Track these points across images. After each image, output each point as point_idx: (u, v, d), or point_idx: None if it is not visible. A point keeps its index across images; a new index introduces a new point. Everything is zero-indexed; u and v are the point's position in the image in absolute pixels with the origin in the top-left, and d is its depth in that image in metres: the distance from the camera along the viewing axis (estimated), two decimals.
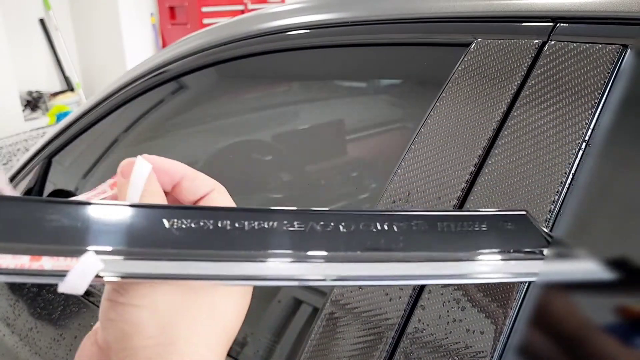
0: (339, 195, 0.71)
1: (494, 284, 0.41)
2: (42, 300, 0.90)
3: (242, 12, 4.61)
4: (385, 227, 0.32)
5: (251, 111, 0.90)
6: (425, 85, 0.66)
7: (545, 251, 0.36)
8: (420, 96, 0.65)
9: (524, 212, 0.37)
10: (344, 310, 0.48)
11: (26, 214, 0.28)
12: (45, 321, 0.88)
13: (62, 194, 1.04)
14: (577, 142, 0.43)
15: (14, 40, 4.03)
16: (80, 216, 0.29)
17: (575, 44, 0.47)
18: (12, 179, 1.16)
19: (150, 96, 0.93)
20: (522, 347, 0.39)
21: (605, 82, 0.44)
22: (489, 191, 0.45)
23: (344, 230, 0.31)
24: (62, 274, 0.27)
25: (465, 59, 0.53)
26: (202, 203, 0.33)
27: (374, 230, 0.32)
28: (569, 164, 0.42)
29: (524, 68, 0.49)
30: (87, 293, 0.83)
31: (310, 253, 0.31)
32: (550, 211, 0.41)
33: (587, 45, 0.46)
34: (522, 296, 0.40)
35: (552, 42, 0.48)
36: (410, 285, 0.45)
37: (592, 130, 0.43)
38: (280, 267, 0.30)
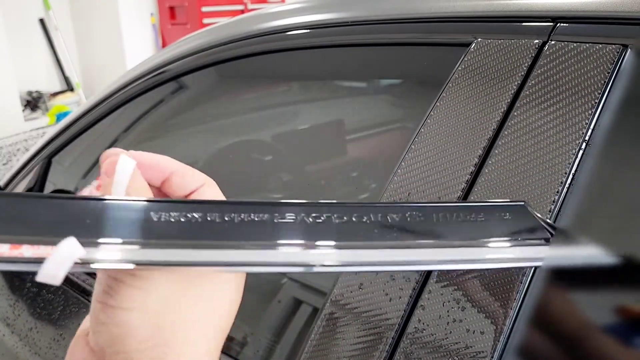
0: (339, 195, 0.71)
1: (494, 281, 0.41)
2: (42, 300, 0.90)
3: (242, 12, 4.61)
4: (379, 218, 0.32)
5: (251, 111, 0.89)
6: (425, 85, 0.66)
7: (551, 237, 0.36)
8: (420, 96, 0.65)
9: (522, 202, 0.37)
10: (344, 310, 0.48)
11: (8, 207, 0.28)
12: (45, 321, 0.88)
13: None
14: (577, 142, 0.43)
15: (14, 40, 4.03)
16: (64, 210, 0.28)
17: (575, 44, 0.47)
18: (12, 179, 1.16)
19: (150, 96, 0.93)
20: (522, 347, 0.39)
21: (605, 82, 0.44)
22: (489, 191, 0.45)
23: (337, 221, 0.31)
24: (41, 261, 0.26)
25: (465, 59, 0.53)
26: (192, 197, 0.33)
27: (367, 221, 0.32)
28: (569, 164, 0.42)
29: (524, 68, 0.49)
30: (87, 292, 0.83)
31: (304, 241, 0.31)
32: (550, 211, 0.41)
33: (587, 45, 0.46)
34: (522, 296, 0.40)
35: (552, 42, 0.48)
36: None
37: (592, 130, 0.43)
38: (270, 254, 0.30)
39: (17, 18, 4.11)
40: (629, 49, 0.44)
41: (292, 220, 0.31)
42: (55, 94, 4.43)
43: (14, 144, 3.61)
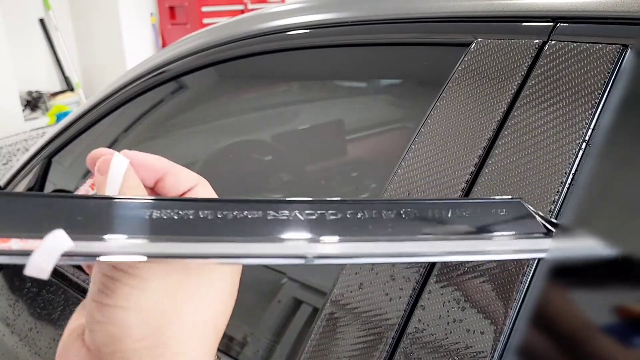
0: (339, 195, 0.71)
1: (494, 281, 0.41)
2: (42, 300, 0.90)
3: (242, 12, 4.61)
4: (370, 215, 0.32)
5: (251, 111, 0.89)
6: (425, 85, 0.66)
7: (549, 232, 0.36)
8: (420, 96, 0.65)
9: (519, 199, 0.37)
10: (344, 310, 0.48)
11: (2, 206, 0.28)
12: (45, 321, 0.88)
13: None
14: (578, 142, 0.43)
15: (14, 40, 4.03)
16: (55, 207, 0.28)
17: (575, 44, 0.47)
18: (12, 179, 1.16)
19: (150, 96, 0.93)
20: (522, 347, 0.39)
21: (605, 82, 0.44)
22: (489, 191, 0.45)
23: (331, 217, 0.31)
24: (29, 254, 0.26)
25: (465, 59, 0.53)
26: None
27: (361, 217, 0.32)
28: (569, 164, 0.42)
29: (524, 68, 0.49)
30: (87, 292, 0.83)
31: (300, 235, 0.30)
32: (550, 211, 0.41)
33: (587, 45, 0.46)
34: (522, 296, 0.40)
35: (553, 42, 0.48)
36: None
37: (592, 130, 0.43)
38: (264, 246, 0.30)
39: (17, 18, 4.11)
40: (629, 49, 0.44)
41: (285, 218, 0.31)
42: (55, 94, 4.43)
43: (14, 144, 3.61)
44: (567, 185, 0.42)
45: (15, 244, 0.26)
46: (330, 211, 0.31)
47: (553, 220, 0.37)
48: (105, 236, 0.28)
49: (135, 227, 0.29)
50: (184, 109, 0.95)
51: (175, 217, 0.29)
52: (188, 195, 0.33)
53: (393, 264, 0.47)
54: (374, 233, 0.31)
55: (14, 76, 3.89)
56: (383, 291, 0.46)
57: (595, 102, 0.43)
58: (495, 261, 0.42)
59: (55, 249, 0.26)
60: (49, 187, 1.07)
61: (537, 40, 0.49)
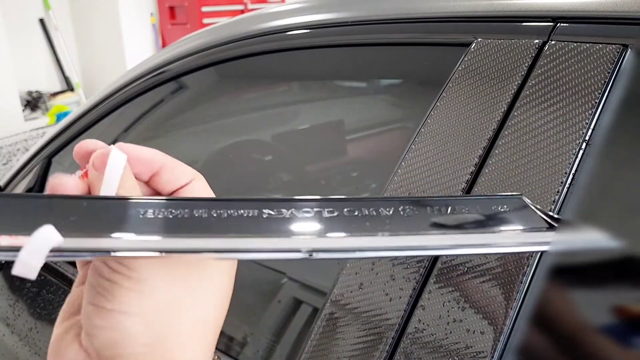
0: (339, 195, 0.71)
1: (494, 281, 0.41)
2: (42, 300, 0.90)
3: (242, 12, 4.61)
4: (368, 212, 0.32)
5: (251, 111, 0.90)
6: (425, 85, 0.66)
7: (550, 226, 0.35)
8: (420, 96, 0.65)
9: (519, 194, 0.37)
10: (344, 310, 0.48)
11: None
12: (45, 321, 0.88)
13: None
14: (578, 142, 0.43)
15: (14, 40, 4.03)
16: (49, 207, 0.28)
17: (575, 44, 0.47)
18: (12, 179, 1.16)
19: (150, 96, 0.93)
20: (522, 348, 0.39)
21: (605, 82, 0.44)
22: (489, 191, 0.45)
23: (327, 215, 0.31)
24: (17, 250, 0.26)
25: (465, 59, 0.53)
26: (181, 192, 0.32)
27: (358, 214, 0.31)
28: (569, 163, 0.42)
29: (524, 68, 0.49)
30: None
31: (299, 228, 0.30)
32: (550, 211, 0.41)
33: (588, 45, 0.46)
34: (522, 296, 0.40)
35: (553, 42, 0.48)
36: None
37: (592, 130, 0.43)
38: (259, 240, 0.29)
39: (17, 18, 4.11)
40: (629, 49, 0.44)
41: (281, 216, 0.30)
42: (55, 94, 4.43)
43: (14, 144, 3.61)
44: (567, 185, 0.42)
45: (3, 240, 0.26)
46: (327, 209, 0.31)
47: (553, 214, 0.36)
48: (97, 233, 0.27)
49: (128, 225, 0.28)
50: (184, 109, 0.95)
51: (170, 216, 0.29)
52: (184, 190, 0.32)
53: (395, 262, 0.47)
54: (372, 228, 0.31)
55: (14, 76, 3.89)
56: (383, 291, 0.46)
57: (595, 102, 0.43)
58: (495, 261, 0.42)
59: (44, 244, 0.26)
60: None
61: (537, 40, 0.49)
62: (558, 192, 0.42)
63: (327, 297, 0.50)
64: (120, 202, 0.29)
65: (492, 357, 0.39)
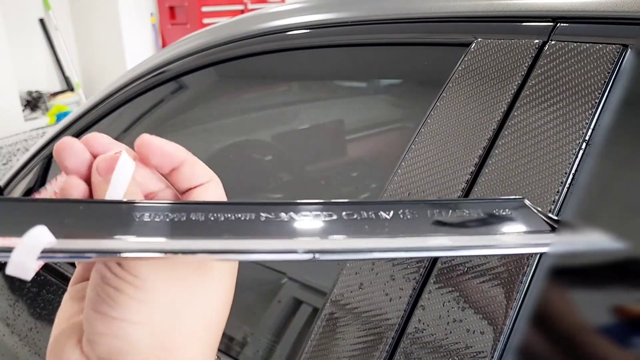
0: (339, 196, 0.71)
1: (494, 281, 0.41)
2: (42, 300, 0.90)
3: (242, 12, 4.61)
4: (367, 215, 0.32)
5: (251, 111, 0.90)
6: (425, 85, 0.66)
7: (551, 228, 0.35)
8: (420, 96, 0.65)
9: (521, 198, 0.36)
10: (344, 310, 0.48)
11: None
12: (45, 321, 0.88)
13: None
14: (578, 142, 0.43)
15: (14, 40, 4.03)
16: (45, 210, 0.28)
17: (575, 44, 0.47)
18: (12, 179, 1.16)
19: (150, 96, 0.93)
20: (522, 348, 0.39)
21: (605, 82, 0.44)
22: (489, 191, 0.45)
23: (327, 218, 0.31)
24: (10, 250, 0.25)
25: (465, 59, 0.53)
26: (196, 192, 0.32)
27: (357, 218, 0.31)
28: (569, 164, 0.42)
29: (524, 68, 0.49)
30: None
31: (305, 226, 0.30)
32: (550, 211, 0.41)
33: (588, 45, 0.46)
34: (522, 296, 0.40)
35: (553, 42, 0.48)
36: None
37: (592, 130, 0.43)
38: (259, 242, 0.29)
39: (17, 18, 4.11)
40: (629, 49, 0.44)
41: (279, 219, 0.30)
42: (55, 94, 4.43)
43: (14, 144, 3.60)
44: (567, 185, 0.42)
45: None
46: (326, 212, 0.31)
47: (553, 216, 0.37)
48: (92, 235, 0.27)
49: (123, 228, 0.28)
50: (184, 109, 0.95)
51: (167, 220, 0.29)
52: (199, 190, 0.32)
53: (395, 262, 0.47)
54: (372, 231, 0.31)
55: (14, 76, 3.89)
56: (383, 291, 0.46)
57: (595, 102, 0.43)
58: (495, 261, 0.42)
59: (36, 245, 0.26)
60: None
61: (537, 40, 0.49)
62: (558, 192, 0.42)
63: (327, 297, 0.50)
64: (115, 206, 0.29)
65: (492, 357, 0.39)
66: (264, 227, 0.30)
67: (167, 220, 0.29)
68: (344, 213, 0.31)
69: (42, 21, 4.35)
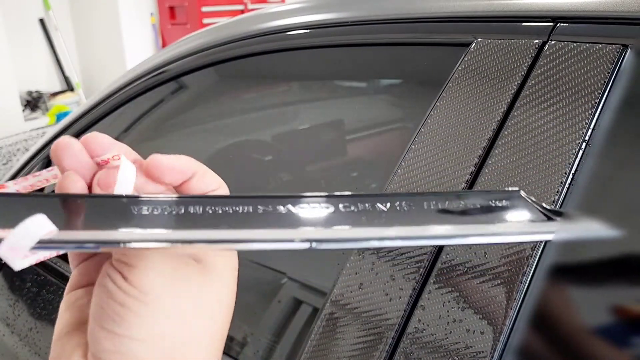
0: None
1: (494, 281, 0.41)
2: (42, 300, 0.90)
3: (242, 12, 4.61)
4: (367, 207, 0.32)
5: (251, 111, 0.90)
6: (425, 85, 0.66)
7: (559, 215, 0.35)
8: (420, 96, 0.65)
9: (517, 189, 0.36)
10: (344, 310, 0.48)
11: None
12: (45, 321, 0.88)
13: None
14: (577, 142, 0.43)
15: (14, 40, 4.03)
16: (46, 204, 0.28)
17: (575, 44, 0.47)
18: (12, 179, 1.16)
19: (150, 96, 0.93)
20: (522, 348, 0.39)
21: (605, 82, 0.44)
22: None
23: (327, 210, 0.31)
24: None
25: (465, 59, 0.53)
26: None
27: (354, 210, 0.31)
28: (569, 164, 0.42)
29: (524, 68, 0.49)
30: None
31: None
32: None
33: (587, 45, 0.46)
34: (522, 296, 0.40)
35: (552, 42, 0.48)
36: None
37: (592, 130, 0.43)
38: (255, 232, 0.29)
39: (17, 18, 4.11)
40: (629, 49, 0.44)
41: (277, 212, 0.30)
42: (55, 94, 4.43)
43: (14, 144, 3.60)
44: (567, 185, 0.42)
45: None
46: (323, 205, 0.31)
47: (547, 206, 0.36)
48: (90, 227, 0.27)
49: (121, 221, 0.28)
50: (184, 109, 0.95)
51: (166, 213, 0.29)
52: None
53: (395, 262, 0.47)
54: (369, 222, 0.31)
55: (14, 76, 3.89)
56: (383, 291, 0.46)
57: (595, 102, 0.43)
58: (495, 261, 0.42)
59: (35, 231, 0.25)
60: (48, 187, 1.07)
61: (537, 40, 0.49)
62: (558, 192, 0.42)
63: (327, 297, 0.50)
64: (114, 200, 0.29)
65: (492, 357, 0.39)
66: (262, 219, 0.30)
67: (166, 213, 0.29)
68: (341, 205, 0.31)
69: (42, 21, 4.35)
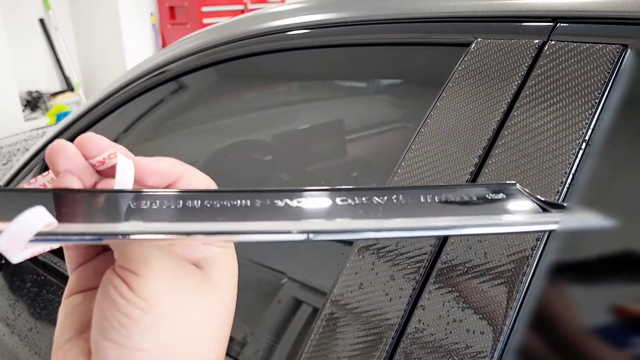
0: None
1: (494, 281, 0.41)
2: (42, 300, 0.90)
3: (242, 12, 4.61)
4: (364, 201, 0.32)
5: (251, 111, 0.90)
6: (425, 85, 0.66)
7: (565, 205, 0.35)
8: (420, 96, 0.65)
9: (513, 182, 0.37)
10: (344, 310, 0.48)
11: None
12: (45, 321, 0.88)
13: None
14: (577, 142, 0.43)
15: (14, 40, 4.03)
16: (45, 199, 0.28)
17: (575, 44, 0.47)
18: (12, 179, 1.16)
19: (150, 96, 0.93)
20: (522, 348, 0.39)
21: (605, 82, 0.44)
22: None
23: (326, 204, 0.31)
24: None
25: (465, 59, 0.53)
26: None
27: (351, 203, 0.31)
28: (569, 164, 0.42)
29: (524, 68, 0.49)
30: None
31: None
32: None
33: (587, 45, 0.46)
34: (522, 296, 0.40)
35: (552, 42, 0.48)
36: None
37: (592, 130, 0.43)
38: (251, 224, 0.29)
39: (17, 18, 4.11)
40: (629, 49, 0.44)
41: (275, 205, 0.30)
42: (55, 94, 4.43)
43: (14, 144, 3.60)
44: (567, 185, 0.42)
45: None
46: (320, 198, 0.31)
47: (543, 198, 0.36)
48: (89, 220, 0.27)
49: (120, 214, 0.28)
50: (184, 109, 0.95)
51: (164, 207, 0.29)
52: None
53: (395, 262, 0.47)
54: (366, 215, 0.31)
55: (14, 76, 3.90)
56: (383, 291, 0.46)
57: (595, 102, 0.43)
58: (495, 261, 0.42)
59: (37, 221, 0.25)
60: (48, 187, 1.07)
61: (537, 40, 0.49)
62: (558, 192, 0.42)
63: (327, 297, 0.50)
64: (112, 195, 0.29)
65: (492, 357, 0.39)
66: (260, 212, 0.30)
67: (164, 207, 0.29)
68: (338, 199, 0.31)
69: (42, 21, 4.35)
